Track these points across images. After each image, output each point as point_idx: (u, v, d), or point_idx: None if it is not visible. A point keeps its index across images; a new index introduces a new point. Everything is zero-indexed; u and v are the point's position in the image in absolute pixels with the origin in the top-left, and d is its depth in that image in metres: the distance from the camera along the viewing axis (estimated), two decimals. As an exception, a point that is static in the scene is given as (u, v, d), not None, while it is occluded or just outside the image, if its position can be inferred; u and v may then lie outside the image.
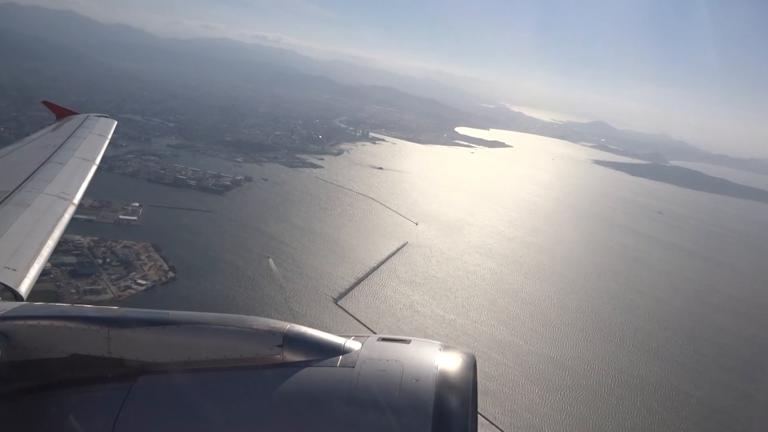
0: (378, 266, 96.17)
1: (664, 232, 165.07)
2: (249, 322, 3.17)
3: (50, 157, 10.43)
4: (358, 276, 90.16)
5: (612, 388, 69.30)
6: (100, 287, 70.55)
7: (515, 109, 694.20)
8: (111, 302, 67.64)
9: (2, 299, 5.24)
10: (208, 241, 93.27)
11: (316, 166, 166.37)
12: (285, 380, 2.92)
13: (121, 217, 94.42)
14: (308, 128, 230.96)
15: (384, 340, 3.14)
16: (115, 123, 14.64)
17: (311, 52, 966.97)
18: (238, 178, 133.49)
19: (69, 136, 12.17)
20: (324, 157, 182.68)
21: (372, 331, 70.72)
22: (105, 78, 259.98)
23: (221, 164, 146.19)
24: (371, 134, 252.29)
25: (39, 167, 9.68)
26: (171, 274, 77.94)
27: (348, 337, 3.18)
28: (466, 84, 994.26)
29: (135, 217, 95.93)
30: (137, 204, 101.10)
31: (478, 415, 3.14)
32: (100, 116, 14.64)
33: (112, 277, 73.63)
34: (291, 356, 3.02)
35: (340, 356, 3.01)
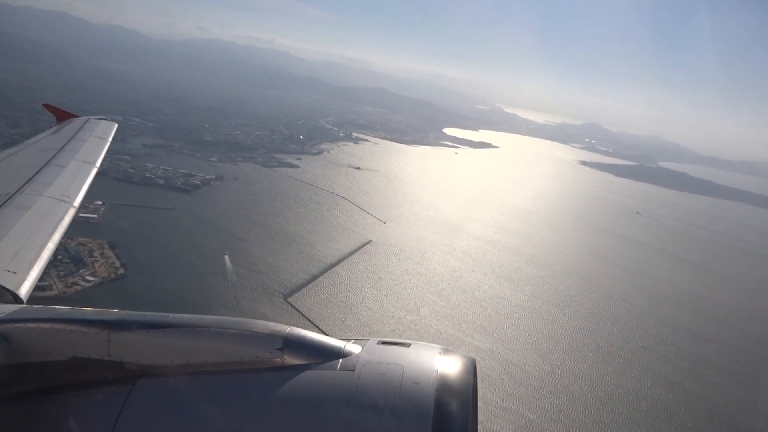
0: (336, 264, 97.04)
1: (637, 231, 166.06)
2: (249, 325, 3.20)
3: (51, 159, 10.44)
4: (314, 273, 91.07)
5: (551, 383, 70.15)
6: (46, 283, 71.18)
7: (510, 110, 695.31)
8: (57, 299, 68.87)
9: (2, 302, 5.26)
10: (166, 239, 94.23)
11: (291, 166, 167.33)
12: (285, 384, 2.91)
13: (81, 215, 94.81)
14: (291, 128, 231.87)
15: (384, 343, 3.19)
16: (116, 126, 14.69)
17: (307, 54, 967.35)
18: (209, 177, 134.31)
19: (70, 139, 12.18)
20: (302, 156, 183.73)
21: (318, 327, 71.82)
22: (92, 78, 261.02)
23: (195, 163, 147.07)
24: (355, 135, 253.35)
25: (40, 170, 9.71)
26: (121, 271, 78.86)
27: (348, 340, 3.23)
28: (464, 86, 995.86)
29: (95, 215, 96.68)
30: (100, 202, 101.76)
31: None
32: (101, 119, 14.73)
33: (60, 273, 74.41)
34: (291, 359, 3.03)
35: (340, 359, 3.03)
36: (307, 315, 75.63)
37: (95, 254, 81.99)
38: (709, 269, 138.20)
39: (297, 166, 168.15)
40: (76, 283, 73.11)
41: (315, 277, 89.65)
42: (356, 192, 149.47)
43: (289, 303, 79.23)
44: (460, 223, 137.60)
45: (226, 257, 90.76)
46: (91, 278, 74.87)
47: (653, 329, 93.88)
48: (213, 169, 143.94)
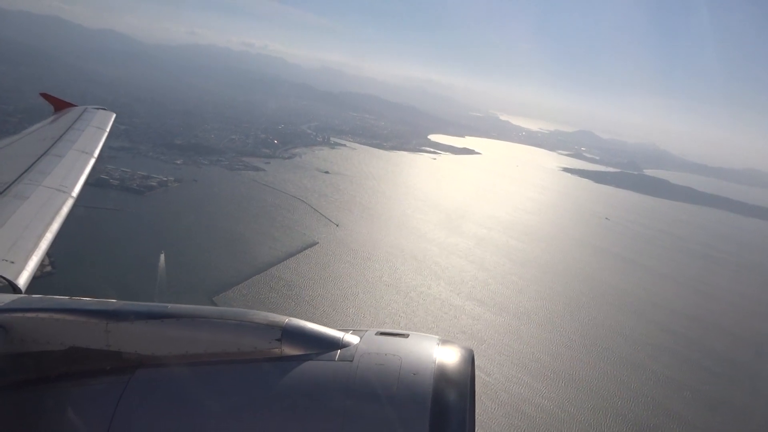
0: (275, 264, 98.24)
1: (599, 236, 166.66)
2: (248, 315, 3.24)
3: (49, 149, 10.46)
4: (248, 273, 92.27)
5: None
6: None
7: (504, 117, 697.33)
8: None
9: (0, 292, 5.34)
10: (106, 239, 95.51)
11: (258, 169, 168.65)
12: (283, 374, 2.95)
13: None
14: (269, 133, 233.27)
15: (382, 334, 3.24)
16: (114, 115, 14.70)
17: (301, 59, 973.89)
18: (166, 179, 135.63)
19: (67, 129, 12.19)
20: (271, 161, 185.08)
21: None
22: (75, 81, 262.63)
23: (158, 166, 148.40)
24: (333, 140, 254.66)
25: (37, 159, 9.71)
26: (48, 269, 79.90)
27: (346, 331, 3.28)
28: (460, 93, 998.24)
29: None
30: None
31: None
32: (98, 108, 14.77)
33: (-17, 270, 75.71)
34: (289, 350, 3.07)
35: (339, 350, 3.06)
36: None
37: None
38: (660, 272, 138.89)
39: (263, 170, 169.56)
40: (-2, 280, 74.26)
41: (248, 277, 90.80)
42: (317, 195, 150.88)
43: (213, 302, 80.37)
44: (415, 225, 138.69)
45: (162, 256, 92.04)
46: (14, 275, 76.03)
47: (581, 329, 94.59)
48: (175, 172, 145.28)
